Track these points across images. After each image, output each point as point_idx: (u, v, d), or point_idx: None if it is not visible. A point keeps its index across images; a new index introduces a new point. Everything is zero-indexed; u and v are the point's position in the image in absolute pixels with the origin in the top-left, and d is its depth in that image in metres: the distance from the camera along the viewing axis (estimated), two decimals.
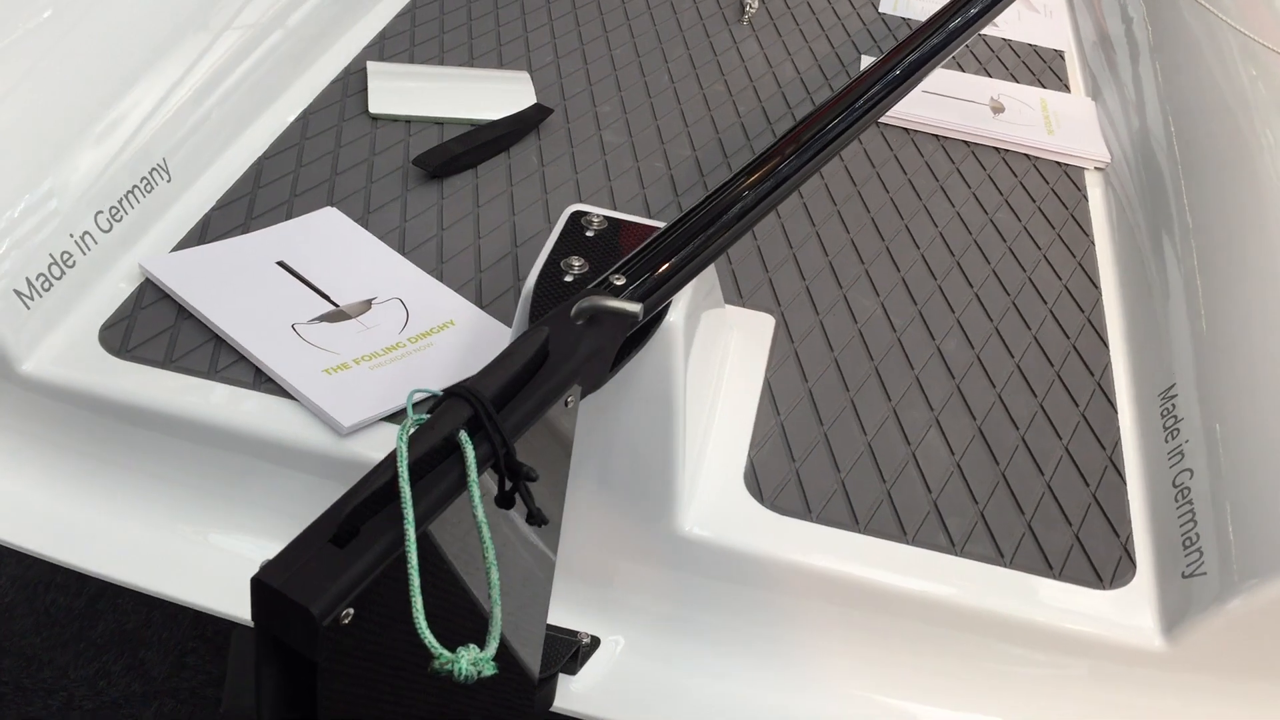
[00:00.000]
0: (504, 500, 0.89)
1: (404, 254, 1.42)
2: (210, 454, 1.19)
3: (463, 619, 0.87)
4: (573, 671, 1.13)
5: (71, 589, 1.86)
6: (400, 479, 0.80)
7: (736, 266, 1.48)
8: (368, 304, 1.33)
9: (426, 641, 0.75)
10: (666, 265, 1.04)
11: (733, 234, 1.10)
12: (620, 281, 1.01)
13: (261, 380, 1.22)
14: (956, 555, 1.16)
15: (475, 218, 1.50)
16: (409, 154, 1.59)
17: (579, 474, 1.13)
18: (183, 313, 1.29)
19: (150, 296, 1.31)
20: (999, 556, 1.16)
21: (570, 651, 1.12)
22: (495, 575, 0.80)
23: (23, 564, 1.89)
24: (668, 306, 1.08)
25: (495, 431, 0.86)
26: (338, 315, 1.31)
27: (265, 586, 0.75)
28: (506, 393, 0.90)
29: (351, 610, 0.76)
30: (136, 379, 1.21)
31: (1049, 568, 1.15)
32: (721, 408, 1.27)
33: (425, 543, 0.81)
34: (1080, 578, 1.15)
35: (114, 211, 1.35)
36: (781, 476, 1.21)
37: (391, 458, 0.82)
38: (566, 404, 0.94)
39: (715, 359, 1.29)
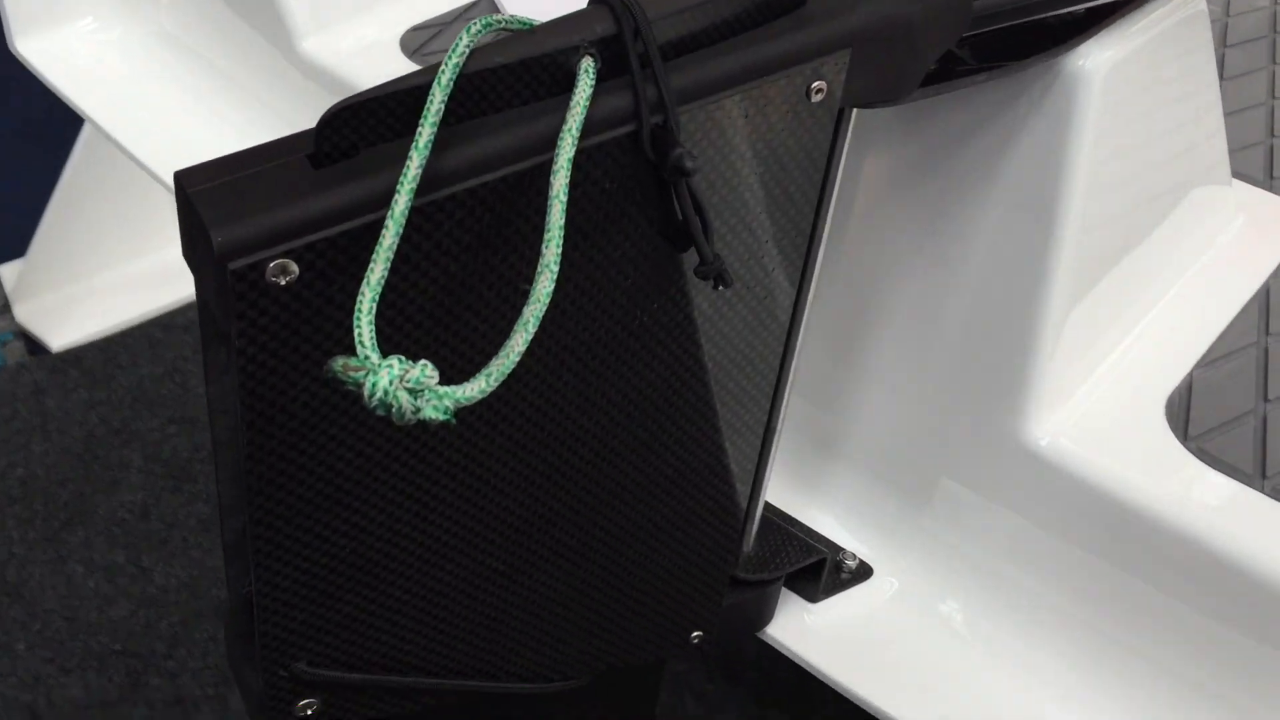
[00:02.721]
0: (674, 233, 0.55)
1: None
2: None
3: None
4: (813, 597, 0.77)
5: None
6: (435, 83, 0.49)
7: None
8: None
9: (356, 330, 0.45)
10: None
11: None
12: None
13: None
14: None
15: None
16: None
17: (873, 299, 0.75)
18: None
19: None
20: None
21: (810, 560, 0.75)
22: (544, 287, 0.47)
23: None
24: (1069, 32, 0.65)
25: (648, 78, 0.52)
26: None
27: (182, 192, 0.49)
28: (706, 35, 0.55)
29: (297, 269, 0.48)
30: None
31: None
32: (1171, 299, 0.82)
33: (469, 210, 0.50)
34: None
35: None
36: (1231, 413, 0.74)
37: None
38: (810, 95, 0.57)
39: (1189, 235, 0.84)
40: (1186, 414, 0.74)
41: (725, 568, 0.69)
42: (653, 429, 0.61)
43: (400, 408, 0.43)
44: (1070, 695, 0.72)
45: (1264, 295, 0.83)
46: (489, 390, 0.45)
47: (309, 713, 0.61)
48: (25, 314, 1.84)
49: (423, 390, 0.43)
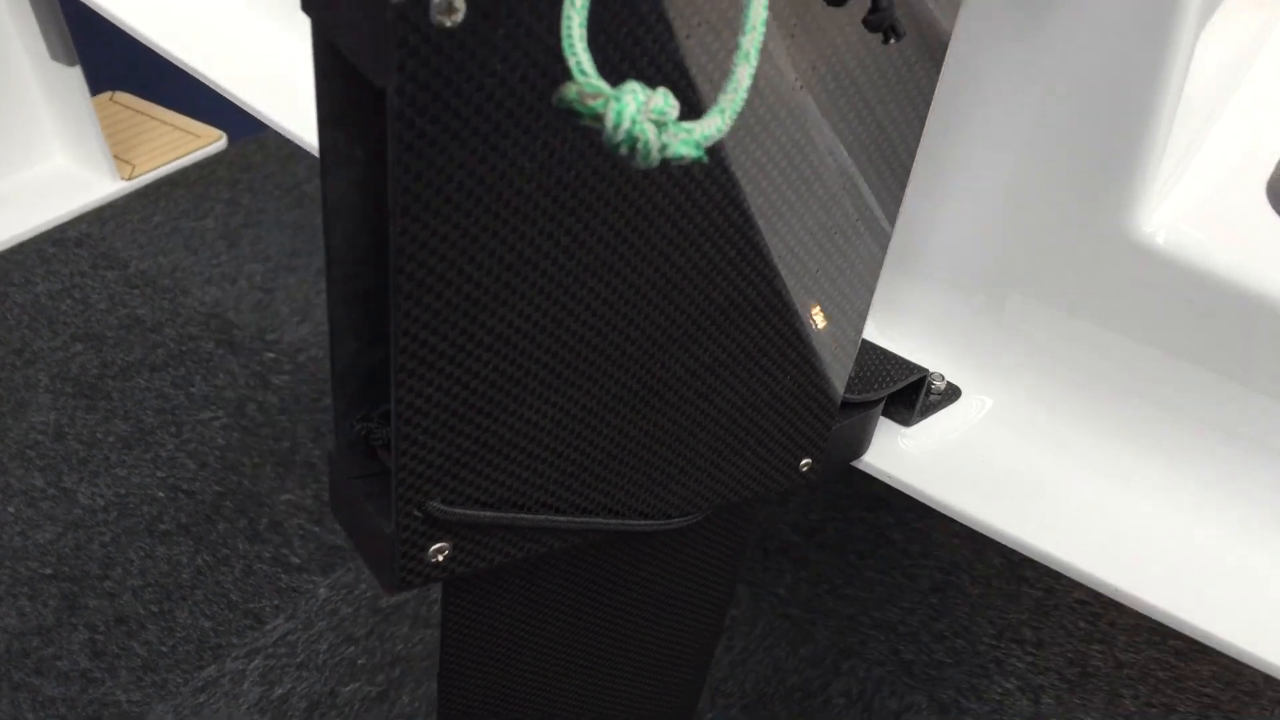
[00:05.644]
0: None
1: None
2: None
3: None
4: (907, 420, 0.71)
5: None
6: None
7: None
8: None
9: (570, 58, 0.36)
10: None
11: None
12: None
13: None
14: None
15: None
16: None
17: (959, 85, 0.68)
18: None
19: None
20: None
21: (912, 378, 0.69)
22: (759, 13, 0.39)
23: None
24: None
25: None
26: None
27: None
28: None
29: (463, 6, 0.38)
30: None
31: None
32: (1250, 89, 0.78)
33: None
34: None
35: None
36: None
37: None
38: None
39: (1244, 34, 0.79)
40: None
41: (838, 385, 0.62)
42: (790, 220, 0.53)
43: (646, 142, 0.35)
44: (1180, 499, 0.68)
45: None
46: (724, 129, 0.37)
47: (439, 559, 0.53)
48: None
49: (665, 124, 0.35)
